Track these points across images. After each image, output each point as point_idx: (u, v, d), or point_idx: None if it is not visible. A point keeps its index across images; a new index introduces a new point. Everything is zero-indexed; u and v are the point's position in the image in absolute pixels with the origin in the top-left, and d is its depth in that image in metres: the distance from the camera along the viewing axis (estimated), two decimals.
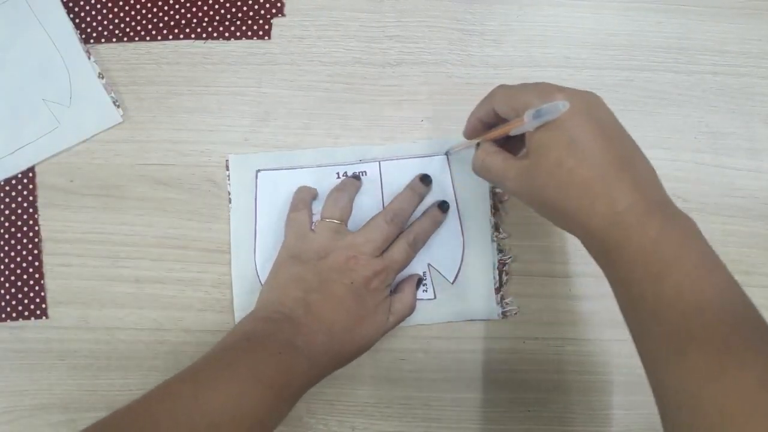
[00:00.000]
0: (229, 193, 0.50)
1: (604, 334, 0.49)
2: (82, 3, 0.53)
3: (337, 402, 0.49)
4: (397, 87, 0.52)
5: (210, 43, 0.53)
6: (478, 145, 0.41)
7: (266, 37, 0.52)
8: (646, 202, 0.32)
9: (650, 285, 0.31)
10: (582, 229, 0.34)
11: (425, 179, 0.49)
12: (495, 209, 0.50)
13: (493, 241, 0.49)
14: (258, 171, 0.51)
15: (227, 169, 0.51)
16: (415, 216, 0.48)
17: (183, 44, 0.53)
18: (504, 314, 0.49)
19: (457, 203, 0.50)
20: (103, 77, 0.52)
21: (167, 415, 0.35)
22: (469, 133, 0.43)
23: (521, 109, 0.35)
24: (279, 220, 0.49)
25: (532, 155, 0.35)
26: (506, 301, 0.49)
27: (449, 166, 0.50)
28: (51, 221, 0.51)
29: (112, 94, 0.52)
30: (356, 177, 0.50)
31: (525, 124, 0.34)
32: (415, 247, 0.47)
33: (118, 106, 0.52)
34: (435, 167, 0.50)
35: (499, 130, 0.38)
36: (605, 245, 0.33)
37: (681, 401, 0.30)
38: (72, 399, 0.49)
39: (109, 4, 0.53)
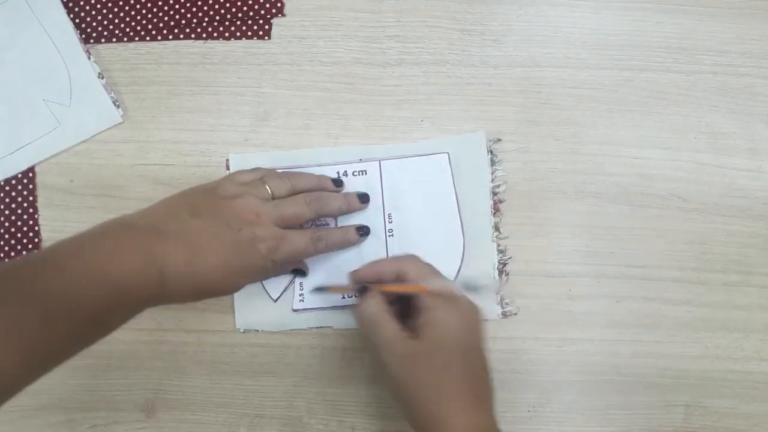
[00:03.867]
0: None
1: (604, 334, 0.49)
2: (82, 3, 0.53)
3: (337, 402, 0.49)
4: (397, 87, 0.52)
5: (210, 43, 0.53)
6: (361, 292, 0.42)
7: (266, 37, 0.52)
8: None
9: None
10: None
11: (363, 197, 0.49)
12: (495, 209, 0.50)
13: (493, 241, 0.49)
14: None
15: (227, 169, 0.51)
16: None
17: (183, 44, 0.53)
18: (504, 314, 0.49)
19: (457, 203, 0.50)
20: (103, 77, 0.52)
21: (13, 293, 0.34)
22: (366, 278, 0.44)
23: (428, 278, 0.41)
24: None
25: (424, 339, 0.39)
26: (506, 301, 0.49)
27: (450, 166, 0.50)
28: (51, 221, 0.51)
29: (112, 94, 0.52)
30: (338, 182, 0.49)
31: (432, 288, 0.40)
32: (317, 246, 0.45)
33: (118, 106, 0.52)
34: (435, 167, 0.50)
35: (401, 287, 0.42)
36: None
37: None
38: (72, 399, 0.49)
39: (109, 4, 0.53)
